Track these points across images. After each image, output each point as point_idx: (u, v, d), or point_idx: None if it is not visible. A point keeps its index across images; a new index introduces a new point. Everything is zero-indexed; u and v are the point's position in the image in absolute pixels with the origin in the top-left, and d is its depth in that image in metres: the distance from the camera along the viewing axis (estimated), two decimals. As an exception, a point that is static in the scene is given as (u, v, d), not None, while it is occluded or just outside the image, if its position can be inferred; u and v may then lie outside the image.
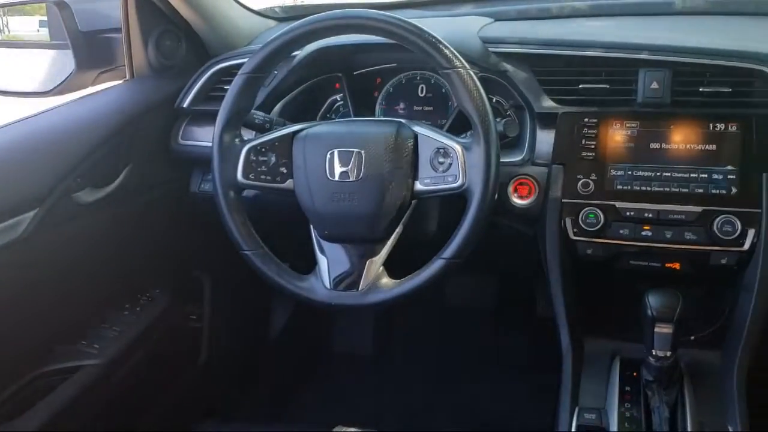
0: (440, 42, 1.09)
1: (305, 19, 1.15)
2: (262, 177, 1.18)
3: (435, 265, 1.10)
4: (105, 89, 1.48)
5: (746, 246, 1.11)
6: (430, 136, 1.13)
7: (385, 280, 1.14)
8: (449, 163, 1.10)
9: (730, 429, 1.12)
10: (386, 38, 1.13)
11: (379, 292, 1.14)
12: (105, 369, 1.35)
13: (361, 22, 1.12)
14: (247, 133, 1.25)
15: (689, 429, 1.11)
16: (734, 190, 1.13)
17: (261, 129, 1.29)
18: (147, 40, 1.48)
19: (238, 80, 1.17)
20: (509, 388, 1.85)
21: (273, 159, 1.17)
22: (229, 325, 1.82)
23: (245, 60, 1.19)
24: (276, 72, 1.38)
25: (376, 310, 1.33)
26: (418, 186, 1.13)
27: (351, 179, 1.12)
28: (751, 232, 1.11)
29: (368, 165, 1.12)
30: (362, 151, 1.12)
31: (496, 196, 1.10)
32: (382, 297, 1.14)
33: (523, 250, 1.31)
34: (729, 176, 1.13)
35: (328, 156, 1.13)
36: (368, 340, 2.06)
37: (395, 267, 1.16)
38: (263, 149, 1.17)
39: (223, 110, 1.18)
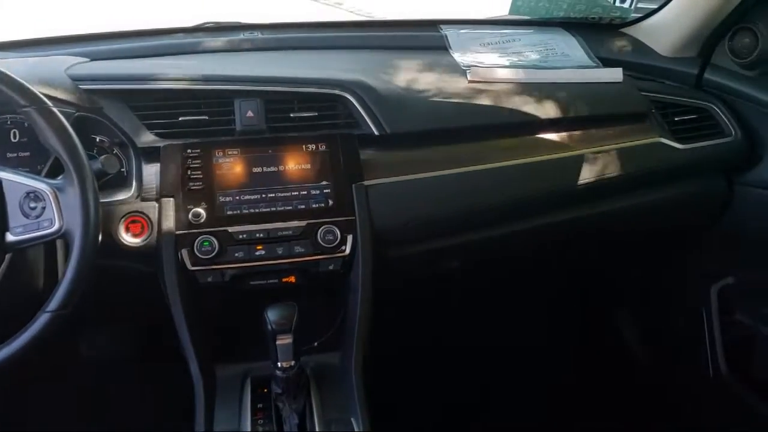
0: (13, 79, 1.02)
1: None
2: None
3: (39, 321, 1.01)
4: None
5: (347, 251, 1.22)
6: (14, 180, 1.04)
7: None
8: (42, 207, 1.03)
9: (353, 422, 1.21)
10: None
11: None
12: None
13: None
14: None
15: (317, 430, 1.17)
16: (331, 202, 1.24)
17: None
18: None
19: None
20: None
21: None
22: None
23: None
24: None
25: None
26: (10, 237, 1.03)
27: None
28: (349, 238, 1.22)
29: None
30: None
31: (100, 237, 1.05)
32: None
33: (149, 290, 1.27)
34: (325, 190, 1.24)
35: None
36: None
37: (1, 329, 1.03)
38: None
39: None
